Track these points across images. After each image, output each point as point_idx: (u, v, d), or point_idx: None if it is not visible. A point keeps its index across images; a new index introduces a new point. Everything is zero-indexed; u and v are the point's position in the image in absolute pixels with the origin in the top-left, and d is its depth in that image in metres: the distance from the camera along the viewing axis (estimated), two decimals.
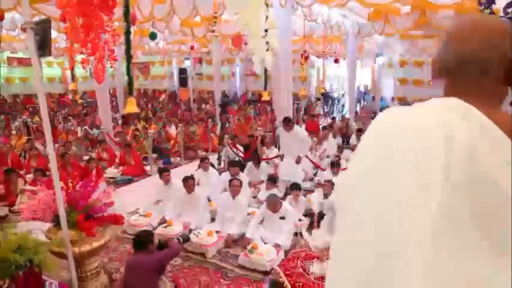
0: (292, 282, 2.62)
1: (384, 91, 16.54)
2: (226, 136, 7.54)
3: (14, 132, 10.05)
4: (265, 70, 5.89)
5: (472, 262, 0.85)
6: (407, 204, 0.85)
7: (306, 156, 6.18)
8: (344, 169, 6.15)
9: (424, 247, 0.82)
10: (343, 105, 16.40)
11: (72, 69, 5.94)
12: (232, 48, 12.47)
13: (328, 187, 4.89)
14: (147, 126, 10.00)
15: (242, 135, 8.93)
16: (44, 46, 2.29)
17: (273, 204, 4.19)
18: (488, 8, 2.81)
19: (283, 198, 5.11)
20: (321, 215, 4.51)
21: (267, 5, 4.04)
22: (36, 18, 5.47)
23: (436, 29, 6.68)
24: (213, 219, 4.76)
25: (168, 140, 9.23)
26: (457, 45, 0.93)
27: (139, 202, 5.32)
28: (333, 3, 5.60)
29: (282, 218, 4.21)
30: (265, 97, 6.62)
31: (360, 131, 8.91)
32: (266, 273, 3.57)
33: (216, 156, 7.90)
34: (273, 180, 5.56)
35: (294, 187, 4.98)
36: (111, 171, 7.28)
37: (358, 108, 15.59)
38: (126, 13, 2.97)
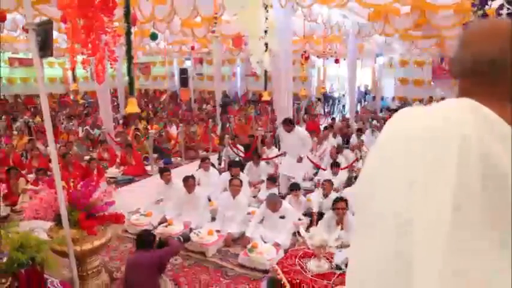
0: (289, 279, 2.65)
1: (384, 91, 16.56)
2: (226, 136, 7.57)
3: (15, 132, 10.09)
4: (265, 70, 5.92)
5: (484, 254, 0.88)
6: (423, 198, 0.89)
7: (307, 157, 6.21)
8: (343, 168, 6.19)
9: (440, 239, 0.86)
10: (343, 106, 16.42)
11: (73, 69, 5.98)
12: (232, 48, 12.50)
13: (327, 187, 4.91)
14: (148, 126, 10.03)
15: (243, 135, 8.95)
16: (45, 47, 2.32)
17: (273, 203, 4.21)
18: (481, 9, 2.84)
19: (288, 194, 5.15)
20: (321, 214, 4.54)
21: (266, 7, 4.06)
22: (38, 19, 5.52)
23: (436, 29, 6.70)
24: (213, 219, 4.79)
25: (168, 140, 9.26)
26: (475, 46, 0.97)
27: (140, 202, 5.35)
28: (333, 4, 5.62)
29: (282, 217, 4.24)
30: (266, 97, 6.64)
31: (360, 131, 8.93)
32: (266, 271, 3.60)
33: (216, 156, 7.93)
34: (273, 179, 5.58)
35: (294, 187, 5.01)
36: (112, 171, 7.31)
37: (359, 108, 15.62)
38: (127, 14, 3.00)
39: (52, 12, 5.45)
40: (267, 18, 4.30)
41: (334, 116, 14.93)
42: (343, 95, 16.81)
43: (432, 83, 15.41)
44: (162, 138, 9.17)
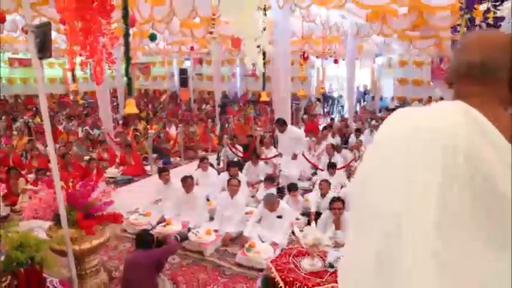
0: (283, 277, 2.69)
1: (383, 91, 16.60)
2: (225, 136, 7.60)
3: (15, 132, 10.12)
4: (264, 71, 5.96)
5: (471, 252, 0.93)
6: (415, 196, 0.95)
7: (304, 156, 6.24)
8: (340, 168, 6.22)
9: (429, 236, 0.91)
10: (342, 106, 16.44)
11: (72, 70, 6.03)
12: (232, 49, 12.53)
13: (324, 187, 4.94)
14: (147, 126, 10.07)
15: (242, 136, 8.99)
16: (44, 48, 2.35)
17: (270, 203, 4.24)
18: (468, 13, 2.87)
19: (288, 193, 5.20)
20: (318, 214, 4.57)
21: (264, 8, 4.09)
22: (37, 20, 5.56)
23: (434, 30, 6.73)
24: (212, 218, 4.82)
25: (167, 140, 9.29)
26: (470, 52, 1.04)
27: (140, 202, 5.38)
28: (331, 5, 5.65)
29: (279, 216, 4.27)
30: (264, 97, 6.67)
31: (359, 131, 8.96)
32: (262, 270, 3.63)
33: (215, 156, 7.96)
34: (271, 179, 5.61)
35: (292, 187, 5.05)
36: (112, 171, 7.34)
37: (358, 108, 15.66)
38: (125, 16, 3.03)
39: (51, 14, 5.47)
40: (264, 21, 4.34)
41: (333, 116, 14.97)
42: (341, 96, 16.83)
43: (431, 83, 15.45)
44: (161, 139, 9.20)
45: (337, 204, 3.85)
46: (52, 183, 2.81)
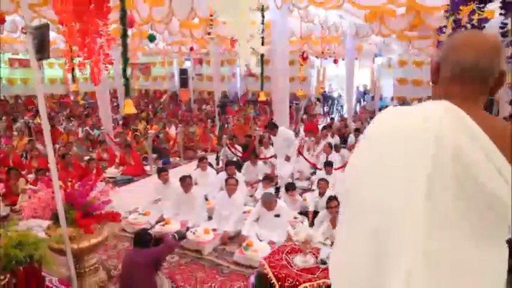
0: (275, 273, 2.73)
1: (383, 91, 16.60)
2: (224, 136, 7.63)
3: (15, 133, 10.16)
4: (262, 71, 5.98)
5: (461, 251, 0.98)
6: (404, 188, 0.99)
7: (302, 155, 6.27)
8: (337, 168, 6.25)
9: (421, 236, 0.96)
10: (341, 106, 16.47)
11: (71, 71, 6.07)
12: (231, 49, 12.55)
13: (322, 186, 4.97)
14: (147, 126, 10.11)
15: (241, 136, 9.02)
16: (42, 49, 2.38)
17: (268, 202, 4.27)
18: (453, 15, 2.90)
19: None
20: (316, 213, 4.60)
21: (262, 10, 4.13)
22: (37, 21, 5.59)
23: (432, 30, 6.75)
24: (210, 218, 4.85)
25: (167, 141, 9.33)
26: (461, 55, 1.06)
27: (139, 201, 5.41)
28: (328, 5, 5.68)
29: (277, 215, 4.29)
30: (262, 98, 6.70)
31: (358, 131, 8.98)
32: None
33: (215, 156, 7.99)
34: (269, 179, 5.64)
35: (289, 187, 5.07)
36: (112, 171, 7.38)
37: (358, 108, 15.67)
38: (123, 17, 3.07)
39: (51, 15, 5.50)
40: (262, 23, 4.39)
41: (332, 116, 14.98)
42: (340, 96, 16.85)
43: (431, 83, 15.43)
44: (160, 139, 9.24)
45: (334, 203, 3.87)
46: (51, 183, 2.85)
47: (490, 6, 3.14)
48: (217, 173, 6.23)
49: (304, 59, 12.17)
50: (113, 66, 4.42)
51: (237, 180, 4.85)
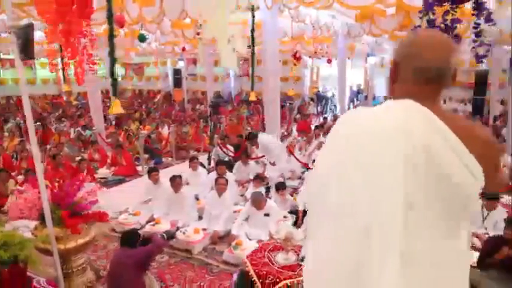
0: (257, 271, 2.76)
1: (376, 90, 16.69)
2: (216, 136, 7.62)
3: (6, 134, 10.08)
4: (252, 71, 5.99)
5: (433, 246, 0.99)
6: (378, 189, 0.99)
7: (293, 155, 6.31)
8: None
9: (396, 224, 0.96)
10: (335, 105, 16.54)
11: (61, 71, 6.04)
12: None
13: None
14: (140, 126, 10.08)
15: (234, 135, 9.03)
16: (26, 49, 2.37)
17: (258, 201, 4.29)
18: (427, 15, 2.94)
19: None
20: (306, 212, 4.63)
21: (252, 9, 4.15)
22: (26, 20, 5.55)
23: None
24: (201, 217, 4.86)
25: (159, 141, 9.31)
26: (420, 56, 1.07)
27: (131, 202, 5.39)
28: (318, 5, 5.70)
29: (267, 214, 4.31)
30: (252, 97, 6.72)
31: None
32: None
33: (207, 156, 7.99)
34: (260, 178, 5.65)
35: (280, 186, 5.09)
36: (103, 172, 7.35)
37: (351, 108, 15.74)
38: (109, 17, 3.07)
39: None
40: (253, 23, 4.39)
41: (326, 115, 15.03)
42: (334, 95, 16.92)
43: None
44: (152, 139, 9.21)
45: None
46: (37, 183, 2.84)
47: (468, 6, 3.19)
48: (209, 172, 6.24)
49: (298, 59, 12.20)
50: (105, 66, 4.41)
51: (227, 180, 4.86)
